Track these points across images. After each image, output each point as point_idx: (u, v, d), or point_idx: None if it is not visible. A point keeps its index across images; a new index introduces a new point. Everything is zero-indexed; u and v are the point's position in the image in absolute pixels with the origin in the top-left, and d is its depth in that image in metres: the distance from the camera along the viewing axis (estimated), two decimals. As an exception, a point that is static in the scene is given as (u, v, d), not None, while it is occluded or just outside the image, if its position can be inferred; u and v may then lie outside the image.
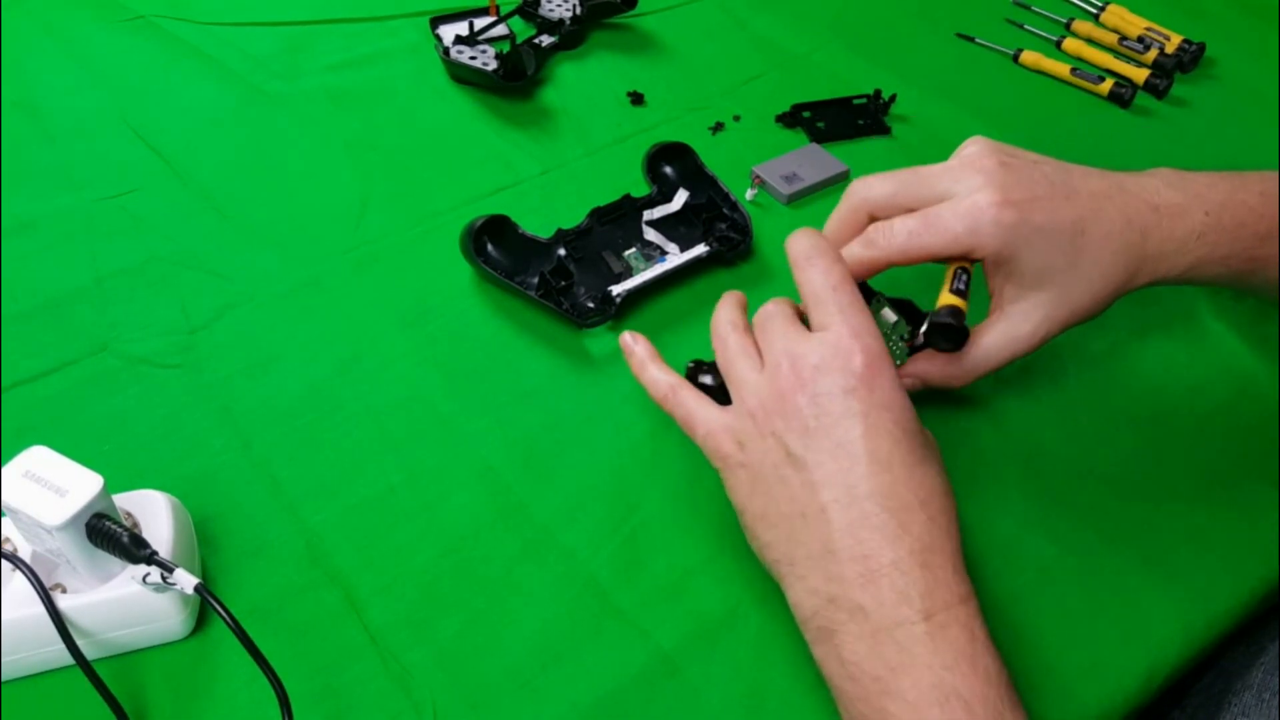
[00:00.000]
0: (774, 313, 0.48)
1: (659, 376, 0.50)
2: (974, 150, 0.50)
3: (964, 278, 0.50)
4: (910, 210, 0.49)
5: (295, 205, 0.70)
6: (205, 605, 0.47)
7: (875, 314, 0.51)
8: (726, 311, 0.50)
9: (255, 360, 0.59)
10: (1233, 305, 0.63)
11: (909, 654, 0.39)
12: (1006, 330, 0.50)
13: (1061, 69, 0.82)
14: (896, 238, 0.49)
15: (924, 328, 0.50)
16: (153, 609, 0.45)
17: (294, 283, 0.64)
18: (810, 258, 0.47)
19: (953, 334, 0.49)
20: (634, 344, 0.52)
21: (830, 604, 0.42)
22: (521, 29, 0.85)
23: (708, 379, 0.51)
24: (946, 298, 0.49)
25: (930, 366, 0.52)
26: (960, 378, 0.51)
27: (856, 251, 0.50)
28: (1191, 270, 0.51)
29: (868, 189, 0.51)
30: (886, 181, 0.50)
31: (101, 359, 0.59)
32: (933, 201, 0.49)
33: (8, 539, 0.45)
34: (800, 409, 0.44)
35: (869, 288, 0.52)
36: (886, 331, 0.51)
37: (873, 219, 0.51)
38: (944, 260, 0.50)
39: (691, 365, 0.52)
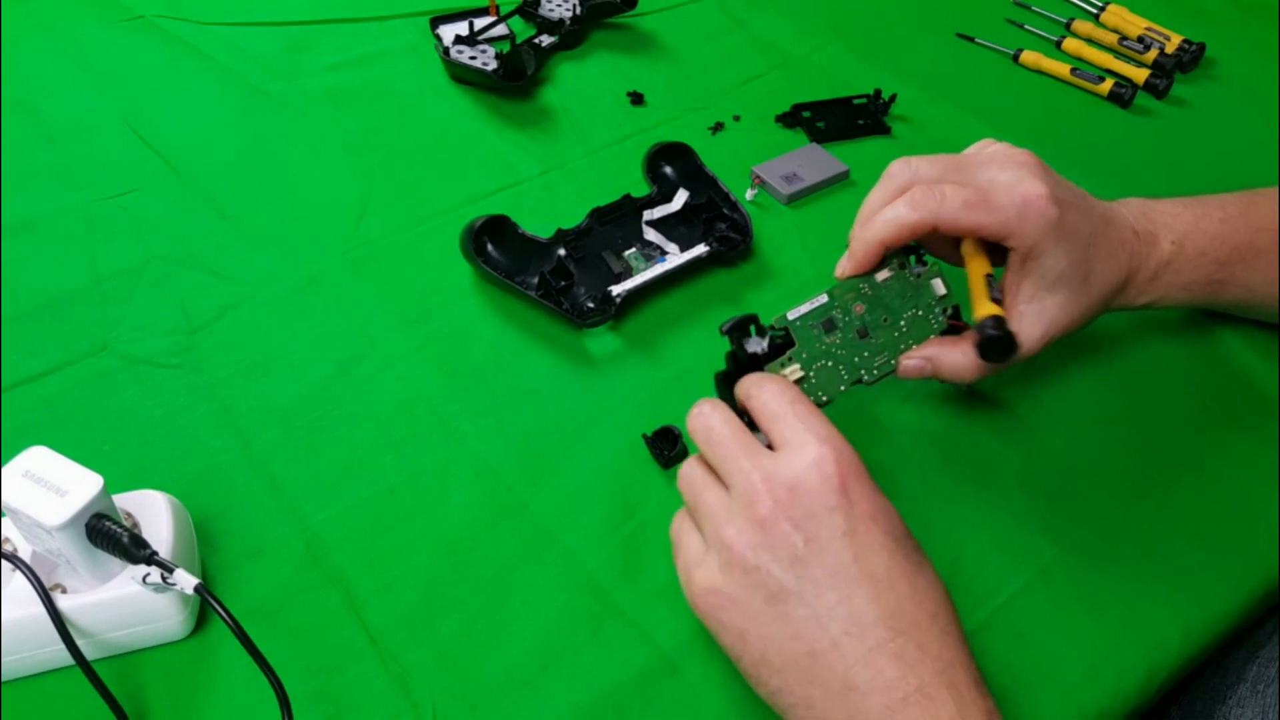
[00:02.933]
0: (719, 427, 0.43)
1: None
2: (1002, 147, 0.51)
3: (996, 285, 0.50)
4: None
5: (295, 205, 0.70)
6: (205, 605, 0.47)
7: (926, 281, 0.51)
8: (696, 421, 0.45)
9: (255, 360, 0.59)
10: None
11: None
12: (1021, 331, 0.50)
13: (1061, 69, 0.82)
14: (949, 202, 0.48)
15: (977, 340, 0.48)
16: (153, 609, 0.45)
17: (294, 283, 0.64)
18: (756, 384, 0.45)
19: (1006, 345, 0.48)
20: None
21: None
22: (521, 29, 0.85)
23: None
24: (988, 307, 0.49)
25: (945, 354, 0.51)
26: (972, 372, 0.50)
27: (901, 211, 0.48)
28: (1156, 300, 0.54)
29: (914, 171, 0.50)
30: (933, 165, 0.50)
31: (101, 359, 0.59)
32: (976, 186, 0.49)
33: (8, 539, 0.45)
34: (786, 536, 0.40)
35: (920, 251, 0.51)
36: (931, 302, 0.51)
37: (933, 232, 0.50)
38: (977, 239, 0.50)
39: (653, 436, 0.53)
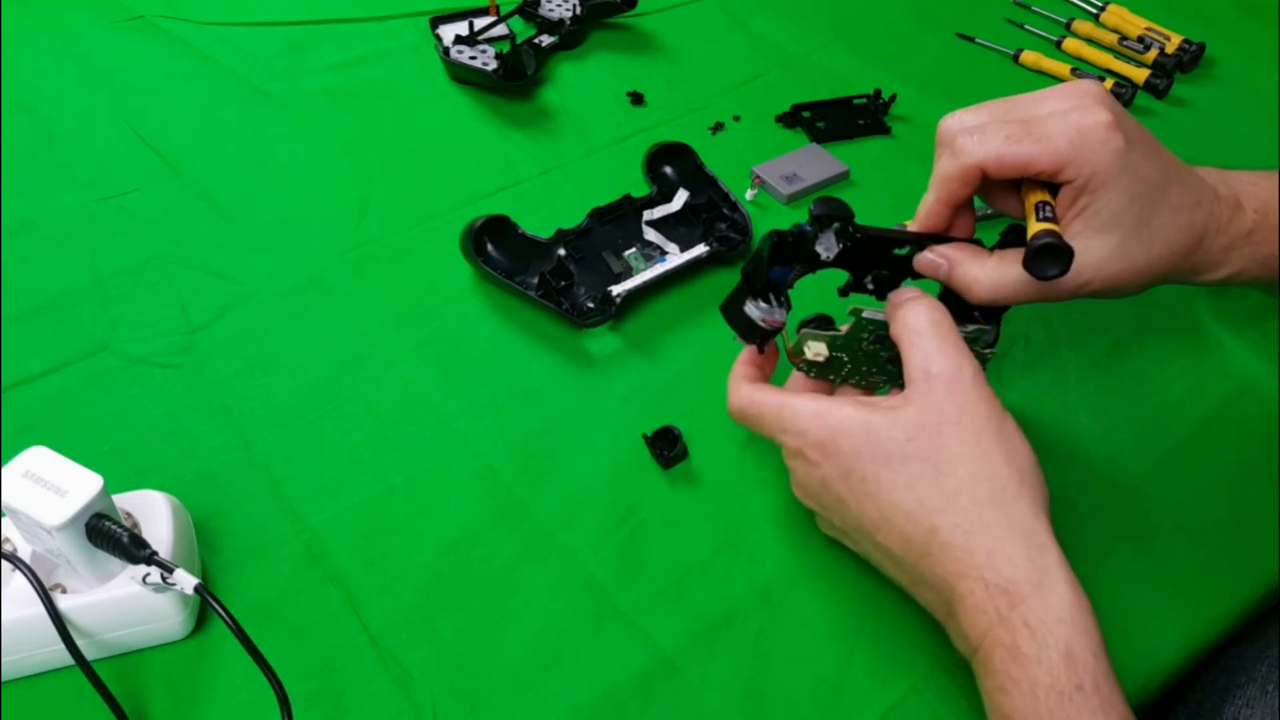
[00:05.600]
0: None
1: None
2: (1075, 82, 0.48)
3: (1048, 209, 0.46)
4: None
5: (295, 205, 0.70)
6: (205, 605, 0.47)
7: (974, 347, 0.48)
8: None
9: (255, 360, 0.59)
10: (1232, 305, 0.63)
11: None
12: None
13: (1061, 69, 0.82)
14: (991, 141, 0.45)
15: (1025, 253, 0.45)
16: (152, 609, 0.45)
17: (294, 283, 0.64)
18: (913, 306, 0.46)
19: (1058, 254, 0.44)
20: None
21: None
22: (521, 29, 0.85)
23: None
24: (1038, 226, 0.45)
25: (966, 260, 0.47)
26: (984, 290, 0.47)
27: (944, 164, 0.46)
28: (1233, 274, 0.50)
29: (960, 120, 0.47)
30: (980, 110, 0.47)
31: (101, 359, 0.59)
32: (1029, 117, 0.46)
33: (8, 539, 0.45)
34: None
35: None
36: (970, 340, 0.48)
37: (987, 177, 0.47)
38: (1033, 180, 0.46)
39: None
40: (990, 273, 0.47)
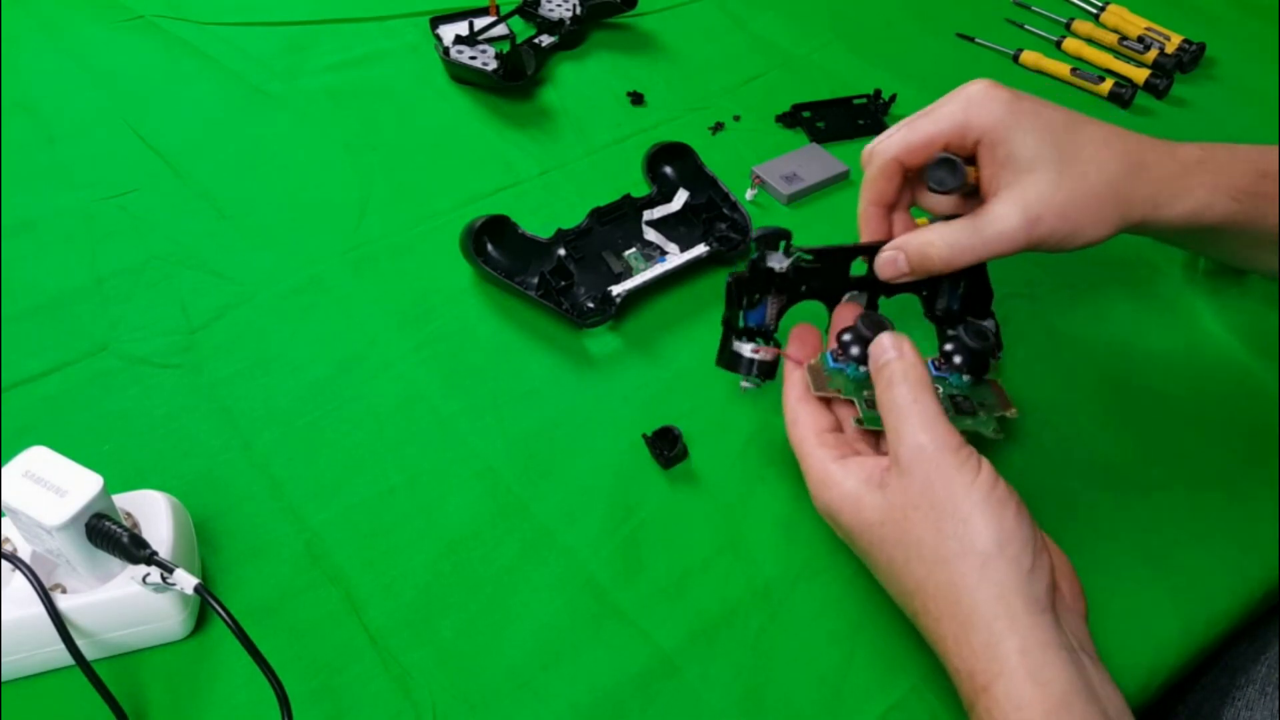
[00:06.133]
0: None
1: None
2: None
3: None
4: None
5: (295, 205, 0.70)
6: (205, 605, 0.47)
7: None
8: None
9: (255, 360, 0.59)
10: (1234, 305, 0.63)
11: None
12: (994, 218, 0.47)
13: (1061, 69, 0.82)
14: (894, 135, 0.49)
15: (925, 172, 0.49)
16: (152, 609, 0.45)
17: (294, 283, 0.64)
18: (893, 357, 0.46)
19: (952, 166, 0.47)
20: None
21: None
22: (521, 29, 0.85)
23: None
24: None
25: (911, 240, 0.49)
26: (941, 253, 0.48)
27: (866, 172, 0.51)
28: (1202, 207, 0.49)
29: (877, 142, 0.51)
30: (893, 130, 0.51)
31: (101, 359, 0.59)
32: None
33: (8, 539, 0.45)
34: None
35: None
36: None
37: (904, 168, 0.51)
38: (943, 149, 0.49)
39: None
40: (942, 233, 0.48)
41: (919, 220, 0.54)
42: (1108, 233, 0.48)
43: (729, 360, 0.51)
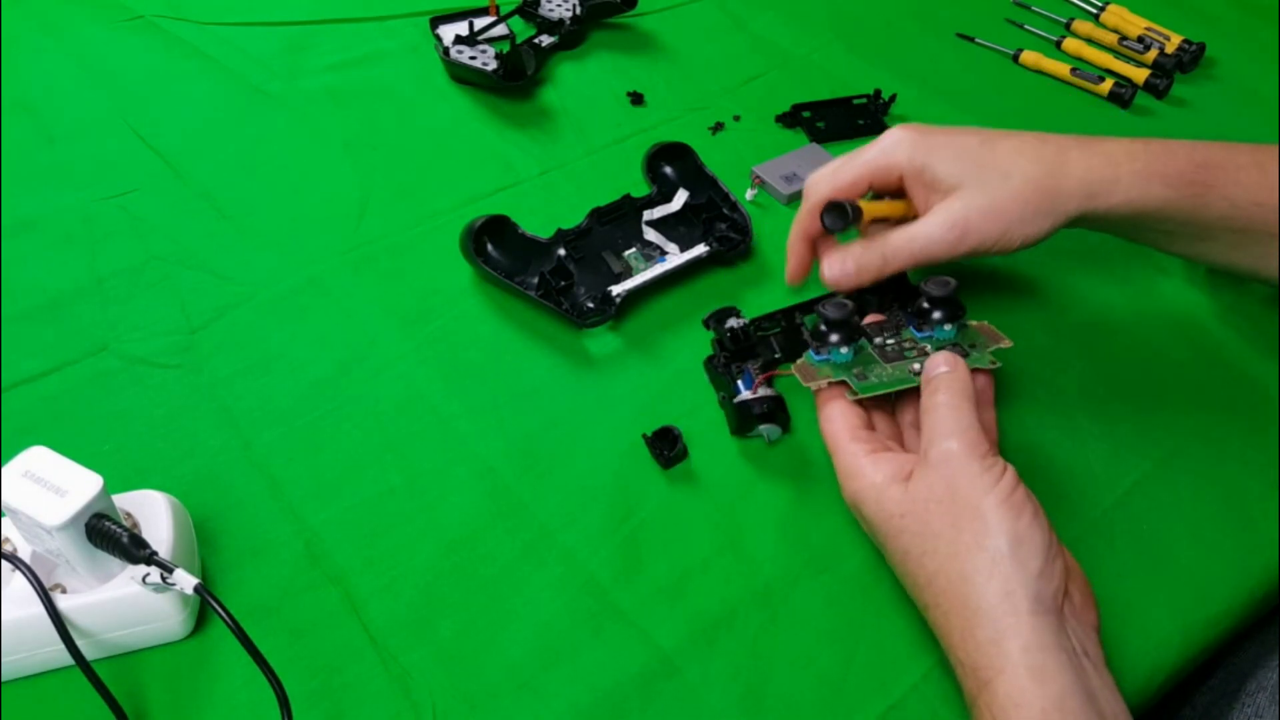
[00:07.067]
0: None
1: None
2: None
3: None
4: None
5: (295, 205, 0.70)
6: (205, 605, 0.47)
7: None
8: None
9: (255, 360, 0.59)
10: (1234, 305, 0.63)
11: None
12: (922, 226, 0.52)
13: (1061, 69, 0.82)
14: (821, 182, 0.54)
15: (821, 216, 0.53)
16: (152, 609, 0.45)
17: (294, 283, 0.64)
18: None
19: (841, 210, 0.51)
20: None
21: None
22: (521, 29, 0.85)
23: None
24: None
25: (850, 253, 0.53)
26: (875, 266, 0.53)
27: (800, 210, 0.55)
28: (1139, 197, 0.51)
29: (811, 182, 0.55)
30: (823, 171, 0.55)
31: (101, 359, 0.59)
32: None
33: (8, 539, 0.45)
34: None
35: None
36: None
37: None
38: (869, 190, 0.54)
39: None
40: (872, 242, 0.53)
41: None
42: (1044, 229, 0.51)
43: (738, 419, 0.54)
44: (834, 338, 0.50)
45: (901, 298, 0.57)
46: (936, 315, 0.51)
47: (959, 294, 0.51)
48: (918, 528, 0.44)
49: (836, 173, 0.54)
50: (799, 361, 0.51)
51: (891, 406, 0.52)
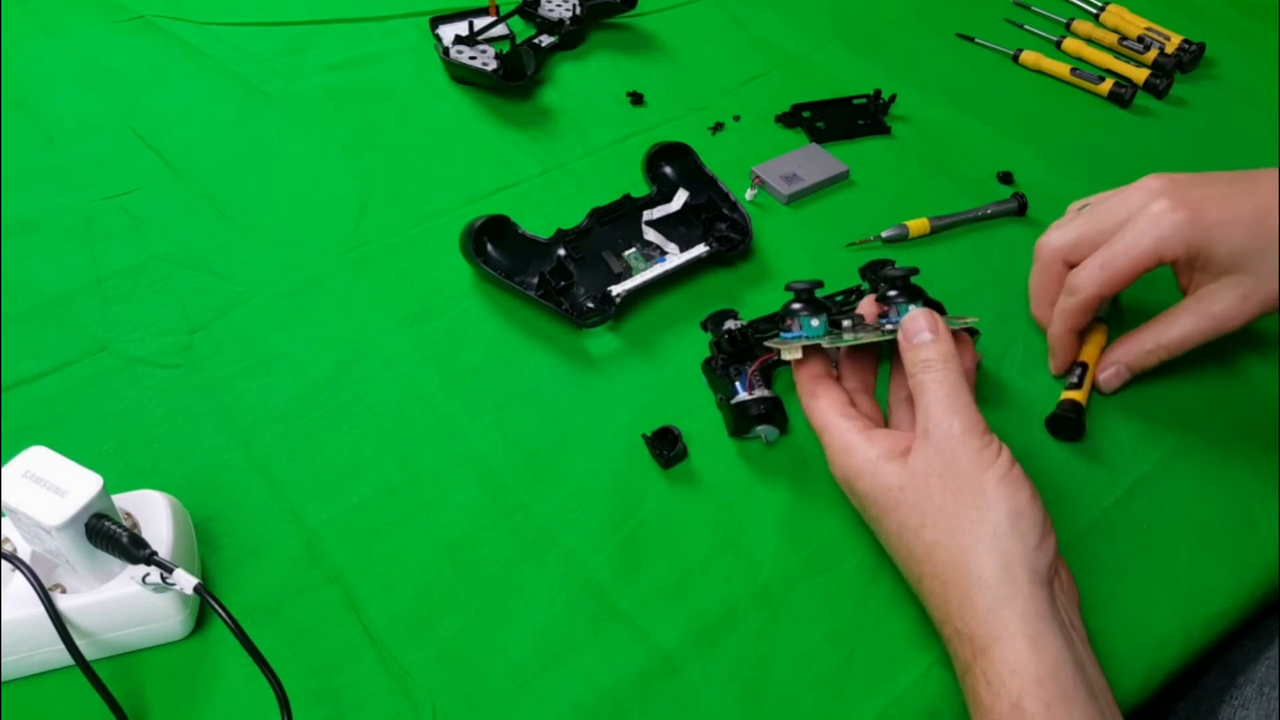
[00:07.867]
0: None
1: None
2: (1143, 180, 0.54)
3: (1079, 372, 0.57)
4: (1095, 245, 0.53)
5: (295, 205, 0.70)
6: (205, 605, 0.47)
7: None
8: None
9: (255, 360, 0.59)
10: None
11: None
12: (1199, 308, 0.52)
13: (1061, 69, 0.82)
14: (1092, 276, 0.53)
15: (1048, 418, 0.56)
16: (152, 609, 0.45)
17: (294, 283, 0.64)
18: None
19: (1070, 427, 0.55)
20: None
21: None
22: (521, 29, 0.85)
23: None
24: (1067, 392, 0.56)
25: (1127, 353, 0.56)
26: (1155, 354, 0.55)
27: (1065, 302, 0.55)
28: None
29: (1051, 241, 0.56)
30: (1067, 230, 0.55)
31: (101, 359, 0.59)
32: (1112, 229, 0.53)
33: (8, 539, 0.45)
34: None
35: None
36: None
37: (1068, 265, 0.56)
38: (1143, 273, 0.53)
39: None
40: (1157, 339, 0.55)
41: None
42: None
43: (736, 420, 0.54)
44: (797, 305, 0.51)
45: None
46: (901, 299, 0.52)
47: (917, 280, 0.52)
48: (917, 500, 0.45)
49: (1105, 269, 0.53)
50: (771, 342, 0.51)
51: (872, 387, 0.53)
